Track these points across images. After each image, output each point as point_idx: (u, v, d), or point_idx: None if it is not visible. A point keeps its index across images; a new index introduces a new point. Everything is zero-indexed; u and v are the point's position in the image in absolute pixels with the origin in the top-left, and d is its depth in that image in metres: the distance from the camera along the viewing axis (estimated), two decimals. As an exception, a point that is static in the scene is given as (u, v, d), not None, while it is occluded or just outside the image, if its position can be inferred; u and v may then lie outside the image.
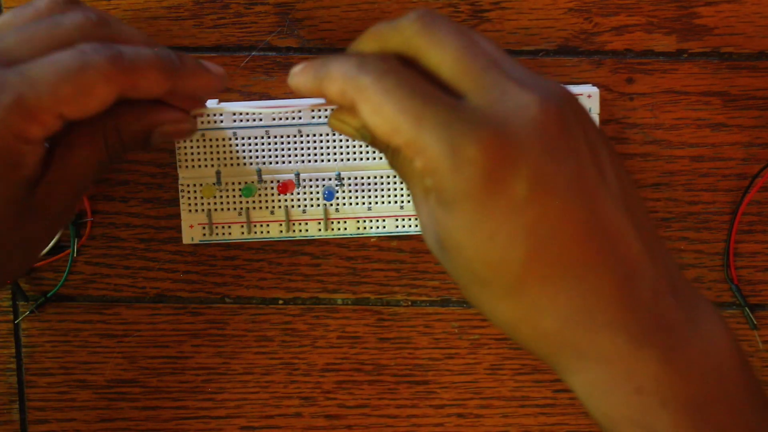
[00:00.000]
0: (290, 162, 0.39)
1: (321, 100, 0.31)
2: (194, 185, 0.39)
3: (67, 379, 0.42)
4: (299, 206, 0.39)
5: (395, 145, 0.28)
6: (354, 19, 0.40)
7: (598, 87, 0.39)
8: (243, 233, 0.40)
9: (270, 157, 0.39)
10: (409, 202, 0.39)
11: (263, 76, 0.40)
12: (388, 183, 0.39)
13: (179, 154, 0.39)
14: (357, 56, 0.29)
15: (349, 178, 0.39)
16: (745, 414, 0.28)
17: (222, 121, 0.39)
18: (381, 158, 0.39)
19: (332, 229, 0.40)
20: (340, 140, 0.39)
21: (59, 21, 0.32)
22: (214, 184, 0.39)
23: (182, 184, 0.39)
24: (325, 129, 0.39)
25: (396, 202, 0.39)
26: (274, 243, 0.41)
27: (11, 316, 0.42)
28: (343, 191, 0.39)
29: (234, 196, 0.39)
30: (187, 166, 0.39)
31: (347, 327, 0.42)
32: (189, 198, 0.39)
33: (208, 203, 0.39)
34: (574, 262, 0.27)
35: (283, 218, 0.39)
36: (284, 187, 0.39)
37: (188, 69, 0.33)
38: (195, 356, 0.42)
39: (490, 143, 0.27)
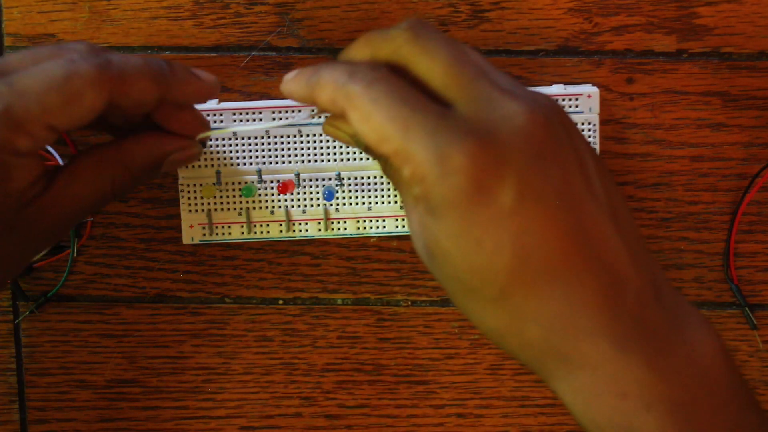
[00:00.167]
0: (290, 162, 0.39)
1: (314, 109, 0.31)
2: (194, 185, 0.39)
3: (67, 379, 0.42)
4: (299, 206, 0.39)
5: (384, 153, 0.28)
6: (354, 19, 0.40)
7: (598, 87, 0.39)
8: (243, 233, 0.40)
9: (270, 157, 0.39)
10: (409, 202, 0.39)
11: (263, 76, 0.40)
12: (388, 183, 0.39)
13: (179, 154, 0.39)
14: (347, 65, 0.29)
15: (349, 178, 0.39)
16: (730, 418, 0.28)
17: (222, 121, 0.39)
18: (381, 158, 0.39)
19: (332, 229, 0.40)
20: (340, 140, 0.39)
21: (60, 45, 0.33)
22: (214, 184, 0.39)
23: (182, 184, 0.39)
24: (325, 129, 0.39)
25: (396, 202, 0.39)
26: (274, 243, 0.41)
27: (11, 316, 0.42)
28: (343, 191, 0.39)
29: (234, 196, 0.39)
30: (187, 167, 0.39)
31: (347, 327, 0.42)
32: (189, 198, 0.39)
33: (208, 203, 0.39)
34: (560, 270, 0.27)
35: (283, 218, 0.39)
36: (284, 187, 0.39)
37: (178, 76, 0.33)
38: (195, 356, 0.42)
39: (477, 152, 0.27)
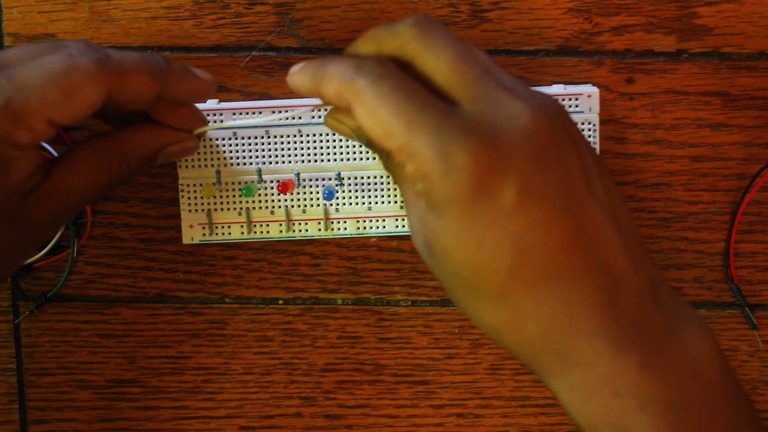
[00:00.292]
0: (290, 162, 0.39)
1: (319, 101, 0.31)
2: (194, 185, 0.39)
3: (67, 379, 0.42)
4: (299, 206, 0.39)
5: (388, 148, 0.28)
6: (354, 19, 0.40)
7: (598, 87, 0.39)
8: (243, 233, 0.40)
9: (270, 157, 0.39)
10: (409, 202, 0.39)
11: (263, 76, 0.40)
12: (388, 183, 0.39)
13: (179, 154, 0.39)
14: (354, 59, 0.30)
15: (349, 178, 0.39)
16: (723, 419, 0.28)
17: (222, 121, 0.39)
18: (381, 158, 0.39)
19: (332, 229, 0.40)
20: (340, 140, 0.39)
21: (59, 42, 0.33)
22: (214, 184, 0.39)
23: (182, 184, 0.39)
24: (325, 129, 0.39)
25: (396, 202, 0.39)
26: (274, 243, 0.41)
27: (11, 316, 0.42)
28: (343, 191, 0.39)
29: (234, 196, 0.39)
30: (187, 166, 0.39)
31: (347, 327, 0.42)
32: (189, 198, 0.39)
33: (208, 203, 0.39)
34: (559, 270, 0.27)
35: (283, 218, 0.39)
36: (284, 187, 0.39)
37: (176, 73, 0.33)
38: (195, 356, 0.42)
39: (480, 151, 0.27)
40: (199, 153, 0.39)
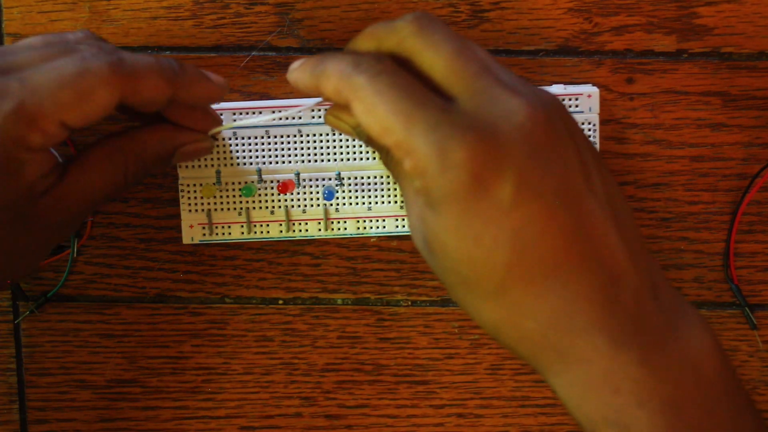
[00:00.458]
0: (290, 162, 0.39)
1: (319, 99, 0.31)
2: (194, 185, 0.39)
3: (67, 379, 0.42)
4: (299, 206, 0.39)
5: (386, 145, 0.28)
6: (354, 19, 0.40)
7: (598, 87, 0.39)
8: (243, 233, 0.40)
9: (270, 157, 0.39)
10: (409, 202, 0.39)
11: (263, 76, 0.40)
12: (388, 183, 0.39)
13: (179, 154, 0.39)
14: (353, 55, 0.30)
15: (349, 178, 0.39)
16: (722, 417, 0.28)
17: (222, 121, 0.39)
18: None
19: (332, 229, 0.40)
20: (340, 140, 0.39)
21: (65, 36, 0.33)
22: (214, 184, 0.39)
23: (182, 184, 0.39)
24: (325, 129, 0.39)
25: (396, 202, 0.39)
26: (274, 243, 0.41)
27: (11, 316, 0.42)
28: (343, 191, 0.39)
29: (234, 196, 0.39)
30: (187, 166, 0.39)
31: (347, 327, 0.42)
32: (189, 198, 0.39)
33: (208, 203, 0.39)
34: (558, 266, 0.27)
35: (283, 218, 0.39)
36: (284, 187, 0.39)
37: (189, 76, 0.33)
38: (195, 356, 0.42)
39: (477, 147, 0.27)
40: (199, 153, 0.39)
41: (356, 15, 0.40)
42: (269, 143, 0.39)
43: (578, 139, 0.29)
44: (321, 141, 0.39)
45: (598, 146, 0.39)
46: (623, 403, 0.28)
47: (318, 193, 0.39)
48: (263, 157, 0.39)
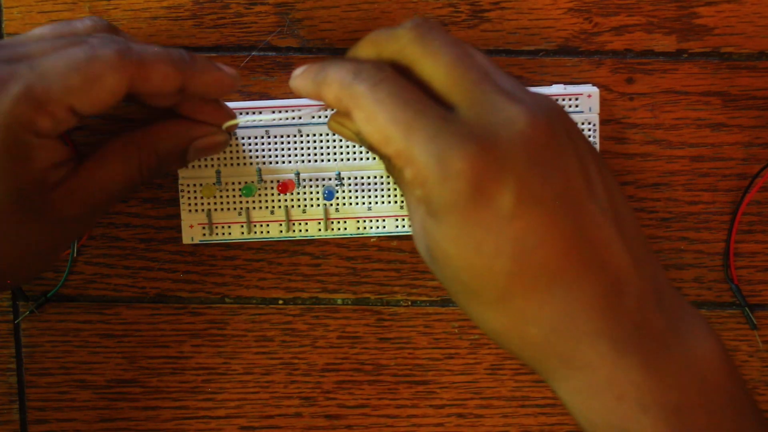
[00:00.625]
0: (290, 162, 0.39)
1: (321, 103, 0.31)
2: (194, 185, 0.39)
3: (67, 379, 0.42)
4: (299, 206, 0.39)
5: (387, 154, 0.28)
6: (354, 19, 0.40)
7: (598, 87, 0.39)
8: (243, 233, 0.40)
9: (270, 156, 0.39)
10: (409, 202, 0.39)
11: (263, 76, 0.40)
12: (388, 183, 0.39)
13: (179, 154, 0.39)
14: (353, 63, 0.30)
15: (349, 178, 0.39)
16: (727, 422, 0.28)
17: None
18: (381, 158, 0.39)
19: (332, 229, 0.40)
20: (341, 140, 0.39)
21: (74, 25, 0.33)
22: (214, 184, 0.39)
23: (182, 184, 0.39)
24: (326, 129, 0.39)
25: (396, 202, 0.39)
26: (274, 243, 0.41)
27: (11, 316, 0.42)
28: (343, 191, 0.39)
29: (234, 196, 0.39)
30: (186, 166, 0.39)
31: (347, 327, 0.42)
32: (189, 198, 0.39)
33: (208, 203, 0.39)
34: (560, 273, 0.27)
35: (283, 218, 0.39)
36: (284, 187, 0.39)
37: (199, 65, 0.33)
38: (195, 356, 0.42)
39: (477, 156, 0.27)
40: (199, 153, 0.39)
41: (356, 15, 0.40)
42: (269, 143, 0.39)
43: (579, 144, 0.29)
44: (321, 141, 0.39)
45: (598, 146, 0.39)
46: (627, 409, 0.27)
47: (318, 193, 0.39)
48: (263, 157, 0.39)
